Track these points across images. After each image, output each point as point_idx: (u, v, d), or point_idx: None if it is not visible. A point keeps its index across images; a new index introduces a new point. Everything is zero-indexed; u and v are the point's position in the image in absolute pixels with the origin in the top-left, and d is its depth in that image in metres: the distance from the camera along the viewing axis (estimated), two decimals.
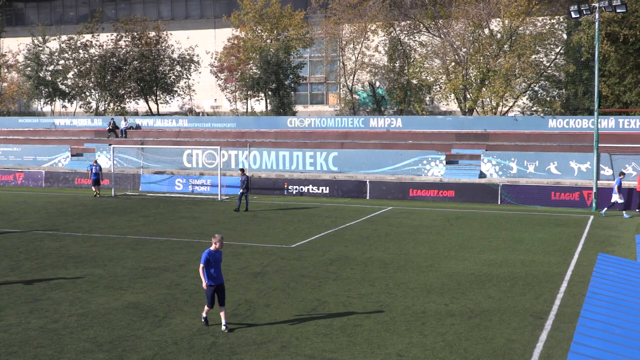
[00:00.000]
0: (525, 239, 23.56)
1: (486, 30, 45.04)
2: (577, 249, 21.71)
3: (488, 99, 44.95)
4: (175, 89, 57.23)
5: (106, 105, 57.76)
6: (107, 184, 39.99)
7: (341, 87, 54.02)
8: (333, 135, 43.35)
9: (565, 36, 46.14)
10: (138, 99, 57.37)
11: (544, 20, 44.43)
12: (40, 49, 58.24)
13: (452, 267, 18.83)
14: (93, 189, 37.00)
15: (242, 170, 31.26)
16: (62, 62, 58.12)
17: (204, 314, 13.42)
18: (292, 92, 54.03)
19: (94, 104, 57.97)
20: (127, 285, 16.70)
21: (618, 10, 30.86)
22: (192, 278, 17.48)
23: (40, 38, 58.57)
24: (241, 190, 30.41)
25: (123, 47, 55.86)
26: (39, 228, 25.81)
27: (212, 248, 13.03)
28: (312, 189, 36.91)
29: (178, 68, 56.95)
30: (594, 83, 32.82)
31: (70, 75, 57.62)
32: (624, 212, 29.72)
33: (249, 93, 52.70)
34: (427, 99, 50.78)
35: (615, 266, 18.40)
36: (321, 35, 52.77)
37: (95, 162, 38.30)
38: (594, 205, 31.46)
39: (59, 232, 24.95)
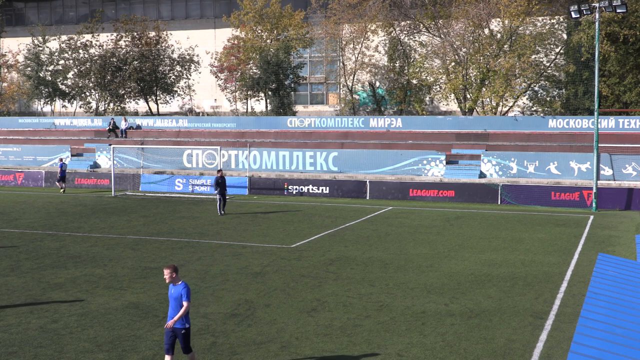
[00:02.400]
0: (525, 239, 23.56)
1: (486, 30, 45.03)
2: (577, 249, 21.72)
3: (488, 99, 44.95)
4: (175, 89, 57.20)
5: (106, 105, 57.74)
6: (107, 184, 40.03)
7: (341, 87, 54.00)
8: (333, 135, 43.34)
9: (565, 36, 46.12)
10: (138, 99, 57.35)
11: (544, 20, 44.41)
12: (40, 49, 58.22)
13: (452, 267, 18.83)
14: (62, 184, 38.92)
15: (220, 171, 30.16)
16: (62, 62, 58.10)
17: None
18: (292, 92, 54.00)
19: (94, 104, 57.97)
20: (127, 285, 16.70)
21: (618, 10, 30.88)
22: (192, 278, 17.49)
23: (40, 38, 58.55)
24: (216, 191, 29.42)
25: (123, 47, 55.84)
26: (39, 228, 25.81)
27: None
28: (312, 189, 36.90)
29: (178, 68, 56.92)
30: (594, 83, 32.82)
31: (70, 75, 57.60)
32: None
33: (249, 93, 52.69)
34: (427, 99, 50.75)
35: (615, 266, 18.39)
36: (321, 35, 52.74)
37: (61, 159, 39.91)
38: (594, 205, 31.47)
39: (59, 232, 24.95)
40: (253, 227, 26.28)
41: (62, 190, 38.76)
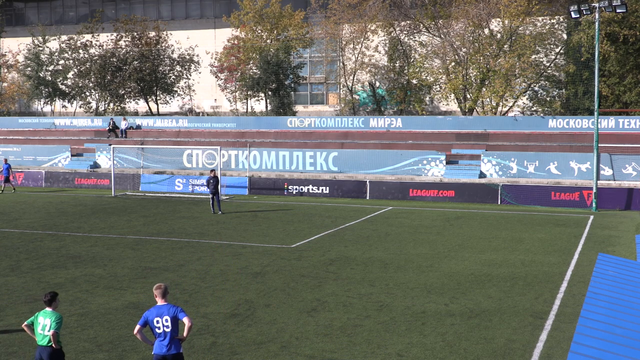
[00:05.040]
0: (525, 239, 23.56)
1: (486, 30, 45.03)
2: (577, 249, 21.72)
3: (488, 99, 44.95)
4: (175, 89, 57.20)
5: (106, 105, 57.73)
6: (107, 184, 40.03)
7: (341, 87, 53.99)
8: (333, 135, 43.33)
9: (565, 36, 46.12)
10: (138, 99, 57.34)
11: (544, 20, 44.41)
12: (40, 49, 58.20)
13: (452, 267, 18.83)
14: (6, 185, 39.36)
15: (213, 171, 30.51)
16: (62, 62, 58.09)
17: None
18: (292, 92, 53.99)
19: (94, 104, 57.95)
20: (127, 285, 16.70)
21: (618, 10, 30.87)
22: (192, 278, 17.49)
23: (40, 38, 58.53)
24: (211, 191, 29.93)
25: (123, 47, 55.83)
26: (39, 228, 25.81)
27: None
28: (312, 189, 36.89)
29: (178, 68, 56.92)
30: (594, 83, 32.82)
31: (70, 75, 57.58)
32: None
33: (249, 93, 52.68)
34: (427, 99, 50.75)
35: (615, 266, 18.39)
36: (321, 35, 52.74)
37: (6, 160, 40.48)
38: (594, 205, 31.46)
39: (59, 232, 24.95)
40: (253, 227, 26.27)
41: (11, 190, 39.21)
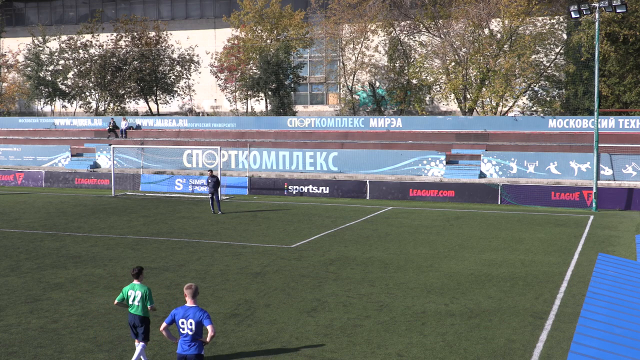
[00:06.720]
0: (525, 239, 23.56)
1: (486, 30, 45.04)
2: (577, 249, 21.72)
3: (488, 99, 44.95)
4: (175, 89, 57.22)
5: (106, 105, 57.74)
6: (107, 184, 40.03)
7: (341, 87, 54.01)
8: (333, 135, 43.33)
9: (565, 36, 46.14)
10: (138, 99, 57.36)
11: (544, 20, 44.43)
12: (40, 49, 58.20)
13: (452, 267, 18.83)
14: None
15: (211, 171, 31.12)
16: (62, 62, 58.09)
17: None
18: (292, 92, 54.01)
19: (94, 104, 57.95)
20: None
21: (618, 10, 30.88)
22: (192, 278, 17.49)
23: (40, 38, 58.53)
24: (210, 191, 30.44)
25: (123, 47, 55.84)
26: (39, 228, 25.81)
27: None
28: (312, 189, 36.89)
29: (178, 68, 56.93)
30: (594, 83, 32.82)
31: (70, 75, 57.58)
32: None
33: (249, 93, 52.70)
34: (427, 99, 50.76)
35: (615, 266, 18.40)
36: (321, 35, 52.74)
37: None
38: (594, 205, 31.46)
39: (59, 232, 24.95)
40: (253, 227, 26.28)
41: None
